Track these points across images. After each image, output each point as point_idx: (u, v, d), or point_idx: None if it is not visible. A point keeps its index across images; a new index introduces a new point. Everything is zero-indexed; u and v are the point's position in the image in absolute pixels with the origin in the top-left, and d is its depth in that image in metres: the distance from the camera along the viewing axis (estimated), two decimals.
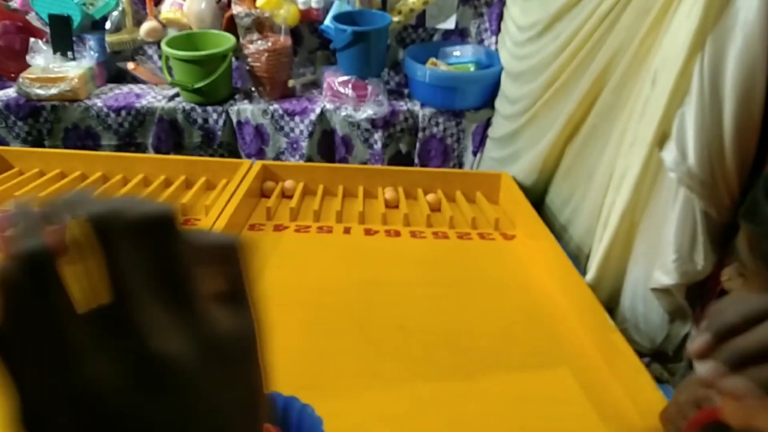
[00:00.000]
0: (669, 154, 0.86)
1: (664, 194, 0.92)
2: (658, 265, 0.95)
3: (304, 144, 2.11)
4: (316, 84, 2.29)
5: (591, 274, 1.13)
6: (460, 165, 2.20)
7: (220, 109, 2.09)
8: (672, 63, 0.86)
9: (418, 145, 2.17)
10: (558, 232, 1.32)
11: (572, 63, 1.25)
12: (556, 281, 1.18)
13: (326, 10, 2.18)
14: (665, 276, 0.93)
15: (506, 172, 1.62)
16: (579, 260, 1.23)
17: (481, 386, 0.92)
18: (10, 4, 2.20)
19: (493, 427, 0.83)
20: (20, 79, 2.08)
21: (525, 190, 1.53)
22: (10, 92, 2.12)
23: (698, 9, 0.80)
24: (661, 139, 0.90)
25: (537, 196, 1.53)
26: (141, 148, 2.08)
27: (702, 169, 0.84)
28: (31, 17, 2.23)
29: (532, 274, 1.25)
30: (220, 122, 2.10)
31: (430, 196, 1.57)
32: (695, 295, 0.98)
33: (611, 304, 1.04)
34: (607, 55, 1.10)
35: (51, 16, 2.11)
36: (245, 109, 2.10)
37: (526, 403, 0.89)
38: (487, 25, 2.27)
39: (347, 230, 1.40)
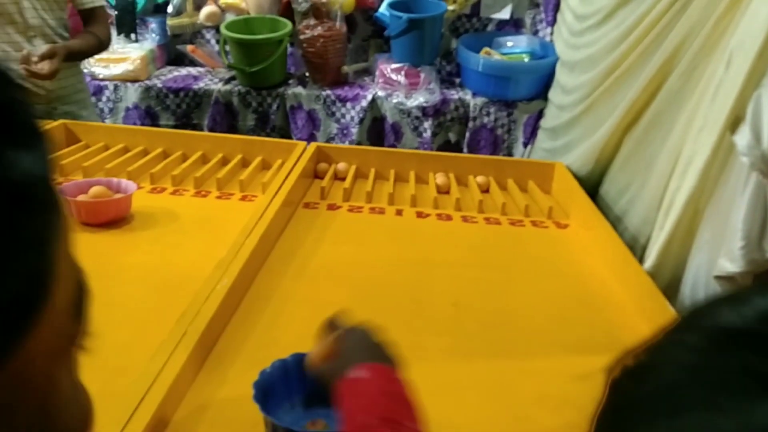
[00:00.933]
0: (742, 137, 0.84)
1: (733, 180, 0.90)
2: (724, 252, 0.93)
3: (354, 130, 2.13)
4: (368, 71, 2.31)
5: (650, 261, 1.11)
6: (510, 156, 2.18)
7: (274, 93, 2.13)
8: (750, 43, 0.83)
9: (467, 134, 2.16)
10: (613, 222, 1.30)
11: (636, 49, 1.23)
12: (612, 269, 1.17)
13: None
14: (731, 263, 0.91)
15: (560, 162, 1.60)
16: (634, 251, 1.20)
17: (533, 365, 0.92)
18: None
19: (542, 405, 0.82)
20: (86, 59, 2.16)
21: (579, 180, 1.50)
22: None
23: None
24: (733, 123, 0.88)
25: (591, 187, 1.51)
26: (197, 129, 2.14)
27: None
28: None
29: (587, 262, 1.23)
30: (274, 106, 2.14)
31: (480, 178, 1.57)
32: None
33: (669, 293, 1.02)
34: (676, 38, 1.08)
35: (117, 0, 2.18)
36: (299, 94, 2.13)
37: (580, 384, 0.88)
38: (542, 15, 2.25)
39: (399, 212, 1.41)
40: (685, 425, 0.22)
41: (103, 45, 1.73)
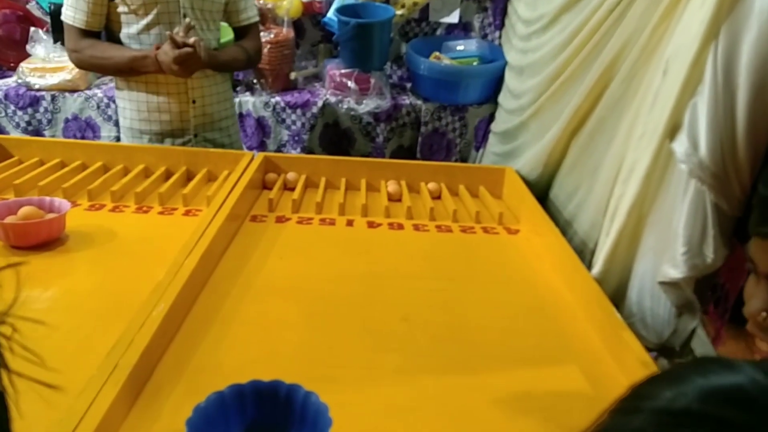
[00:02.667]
0: (680, 145, 0.85)
1: (674, 186, 0.91)
2: (667, 258, 0.94)
3: (305, 137, 2.10)
4: (318, 77, 2.28)
5: (597, 268, 1.12)
6: (463, 160, 2.19)
7: None
8: (685, 52, 0.84)
9: (420, 139, 2.16)
10: (562, 227, 1.31)
11: (579, 55, 1.24)
12: (561, 276, 1.17)
13: (329, 3, 2.18)
14: (674, 269, 0.92)
15: (510, 167, 1.61)
16: (583, 255, 1.21)
17: (486, 380, 0.91)
18: None
19: (498, 420, 0.81)
20: (20, 69, 2.07)
21: (529, 185, 1.51)
22: (10, 82, 2.10)
23: None
24: (672, 131, 0.89)
25: (541, 191, 1.52)
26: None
27: (714, 161, 0.83)
28: (32, 6, 2.21)
29: (537, 269, 1.24)
30: None
31: (432, 185, 1.56)
32: (703, 288, 0.96)
33: (617, 299, 1.03)
34: (616, 46, 1.09)
35: (52, 6, 2.09)
36: (247, 101, 2.09)
37: (531, 398, 0.87)
38: (491, 19, 2.26)
39: (350, 223, 1.39)
40: None
41: (251, 60, 1.66)
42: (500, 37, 2.19)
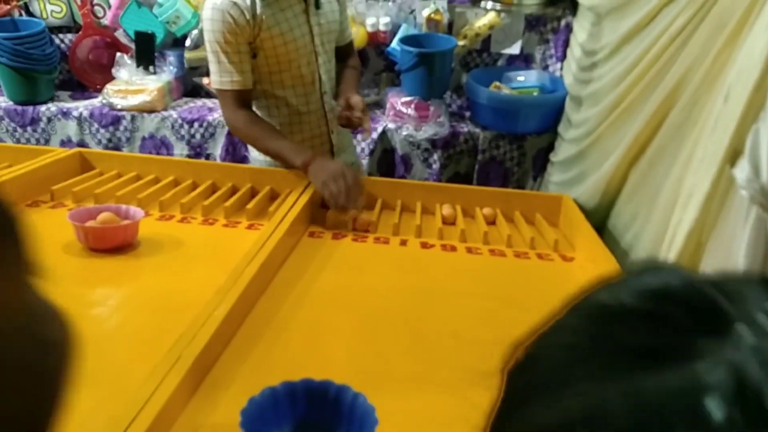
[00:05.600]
0: (741, 171, 0.84)
1: (734, 213, 0.89)
2: None
3: (365, 161, 2.16)
4: (379, 104, 2.34)
5: None
6: (520, 189, 2.18)
7: None
8: (747, 77, 0.84)
9: (477, 167, 2.17)
10: (619, 256, 1.29)
11: (640, 83, 1.24)
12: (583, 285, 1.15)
13: (393, 33, 2.25)
14: None
15: (567, 195, 1.60)
16: None
17: None
18: (101, 20, 2.37)
19: None
20: (105, 90, 2.23)
21: (586, 213, 1.50)
22: (95, 102, 2.27)
23: None
24: (732, 156, 0.88)
25: (599, 220, 1.50)
26: (210, 159, 2.18)
27: None
28: (119, 33, 2.39)
29: None
30: None
31: (487, 210, 1.57)
32: None
33: None
34: (678, 73, 1.09)
35: (137, 33, 2.26)
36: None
37: None
38: (552, 51, 2.28)
39: (404, 242, 1.41)
40: (570, 399, 0.23)
41: (360, 72, 1.76)
42: (561, 68, 2.20)
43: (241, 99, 1.48)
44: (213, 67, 1.45)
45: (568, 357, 0.25)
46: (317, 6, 1.48)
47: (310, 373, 0.77)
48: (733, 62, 0.92)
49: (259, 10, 1.38)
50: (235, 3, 1.35)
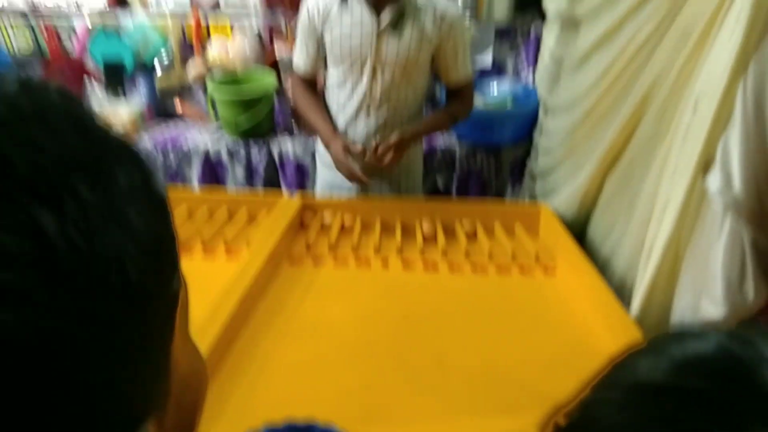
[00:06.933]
0: (714, 181, 0.84)
1: (709, 223, 0.90)
2: (707, 296, 0.91)
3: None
4: None
5: (635, 307, 1.09)
6: (500, 199, 2.18)
7: (261, 142, 2.15)
8: (714, 87, 0.84)
9: (455, 179, 2.17)
10: (600, 265, 1.29)
11: (611, 93, 1.24)
12: (599, 316, 1.15)
13: None
14: (714, 308, 0.89)
15: (546, 205, 1.60)
16: (622, 294, 1.19)
17: (522, 423, 0.89)
18: (69, 51, 2.34)
19: None
20: None
21: (565, 223, 1.50)
22: None
23: (740, 31, 0.79)
24: (704, 166, 0.88)
25: (578, 229, 1.51)
26: (186, 185, 2.15)
27: (749, 195, 0.82)
28: (87, 62, 2.35)
29: (574, 309, 1.22)
30: (262, 157, 2.15)
31: (467, 223, 1.56)
32: None
33: None
34: (646, 83, 1.09)
35: (106, 61, 2.23)
36: (286, 146, 2.15)
37: None
38: (524, 60, 2.29)
39: (385, 263, 1.40)
40: None
41: (456, 121, 1.62)
42: (533, 77, 2.21)
43: (301, 80, 1.62)
44: (295, 48, 1.61)
45: None
46: (394, 26, 1.45)
47: (294, 410, 0.75)
48: (699, 72, 0.93)
49: (334, 13, 1.47)
50: (317, 3, 1.49)
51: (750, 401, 0.23)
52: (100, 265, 0.21)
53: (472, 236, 1.54)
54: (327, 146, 1.55)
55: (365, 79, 1.51)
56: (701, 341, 0.26)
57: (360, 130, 1.57)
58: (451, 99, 1.62)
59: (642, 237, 1.12)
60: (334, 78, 1.57)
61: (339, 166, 1.52)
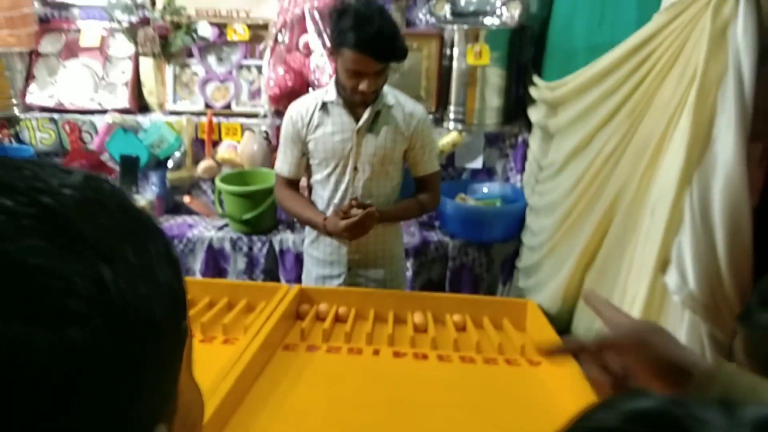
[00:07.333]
0: (671, 278, 0.93)
1: (671, 317, 0.97)
2: None
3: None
4: None
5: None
6: (492, 294, 2.26)
7: (264, 238, 2.26)
8: (666, 196, 0.95)
9: (448, 273, 2.26)
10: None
11: (585, 196, 1.36)
12: (581, 405, 1.19)
13: None
14: None
15: (531, 300, 1.68)
16: None
17: None
18: (88, 145, 2.51)
19: None
20: None
21: (551, 317, 1.57)
22: None
23: (682, 150, 0.91)
24: (663, 265, 0.97)
25: (563, 322, 1.58)
26: (189, 273, 2.24)
27: (703, 292, 0.90)
28: (105, 157, 2.51)
29: (559, 401, 1.26)
30: (264, 250, 2.26)
31: (456, 316, 1.63)
32: None
33: None
34: (614, 188, 1.21)
35: (122, 157, 2.39)
36: (287, 239, 2.26)
37: None
38: (512, 164, 2.45)
39: (376, 352, 1.45)
40: None
41: (425, 210, 1.79)
42: (521, 180, 2.36)
43: (286, 182, 1.75)
44: (278, 154, 1.76)
45: None
46: (370, 126, 1.63)
47: None
48: (656, 180, 1.04)
49: (316, 118, 1.63)
50: (297, 110, 1.65)
51: None
52: (137, 304, 0.30)
53: (461, 329, 1.61)
54: (321, 227, 1.65)
55: (347, 175, 1.66)
56: (647, 399, 0.33)
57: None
58: (419, 189, 1.78)
59: None
60: (318, 176, 1.72)
61: (338, 230, 1.60)
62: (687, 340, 0.92)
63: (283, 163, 1.74)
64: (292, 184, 1.77)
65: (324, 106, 1.63)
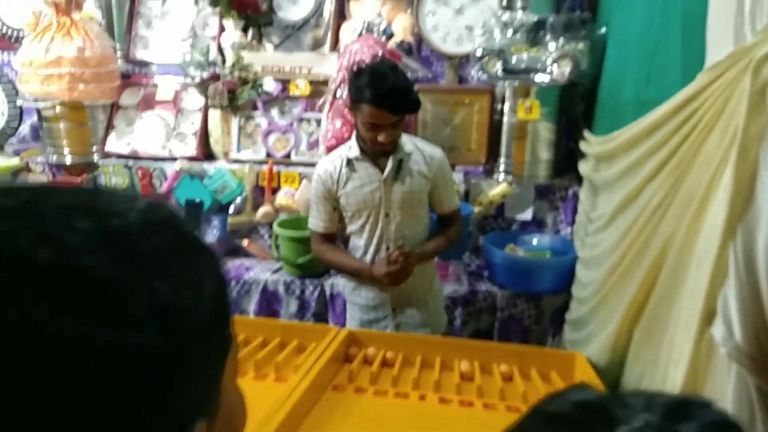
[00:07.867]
0: (717, 331, 0.93)
1: (719, 370, 0.97)
2: None
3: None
4: None
5: None
6: (540, 346, 2.24)
7: (316, 281, 2.33)
8: (711, 248, 0.97)
9: (497, 324, 2.26)
10: None
11: (632, 249, 1.37)
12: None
13: None
14: None
15: (581, 353, 1.67)
16: None
17: None
18: (158, 190, 2.68)
19: None
20: None
21: (599, 371, 1.55)
22: None
23: (726, 204, 0.93)
24: (709, 318, 0.98)
25: (612, 377, 1.56)
26: (243, 314, 2.33)
27: (749, 344, 0.90)
28: (172, 202, 2.67)
29: None
30: (315, 294, 2.33)
31: (503, 366, 1.63)
32: None
33: None
34: (661, 241, 1.23)
35: (187, 201, 2.54)
36: (338, 283, 2.33)
37: None
38: (562, 216, 2.46)
39: (422, 397, 1.48)
40: None
41: (453, 244, 1.90)
42: (572, 232, 2.36)
43: (323, 237, 1.83)
44: (311, 212, 1.85)
45: None
46: (395, 178, 1.74)
47: None
48: (701, 233, 1.06)
49: (344, 174, 1.74)
50: (326, 168, 1.76)
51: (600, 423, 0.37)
52: (191, 310, 0.36)
53: (508, 378, 1.60)
54: (367, 275, 1.74)
55: (380, 222, 1.75)
56: (589, 391, 0.42)
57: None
58: (443, 224, 1.87)
59: (665, 385, 1.18)
60: (353, 227, 1.80)
61: (380, 275, 1.69)
62: (734, 394, 0.91)
63: (318, 220, 1.83)
64: (329, 238, 1.85)
65: (350, 163, 1.74)
